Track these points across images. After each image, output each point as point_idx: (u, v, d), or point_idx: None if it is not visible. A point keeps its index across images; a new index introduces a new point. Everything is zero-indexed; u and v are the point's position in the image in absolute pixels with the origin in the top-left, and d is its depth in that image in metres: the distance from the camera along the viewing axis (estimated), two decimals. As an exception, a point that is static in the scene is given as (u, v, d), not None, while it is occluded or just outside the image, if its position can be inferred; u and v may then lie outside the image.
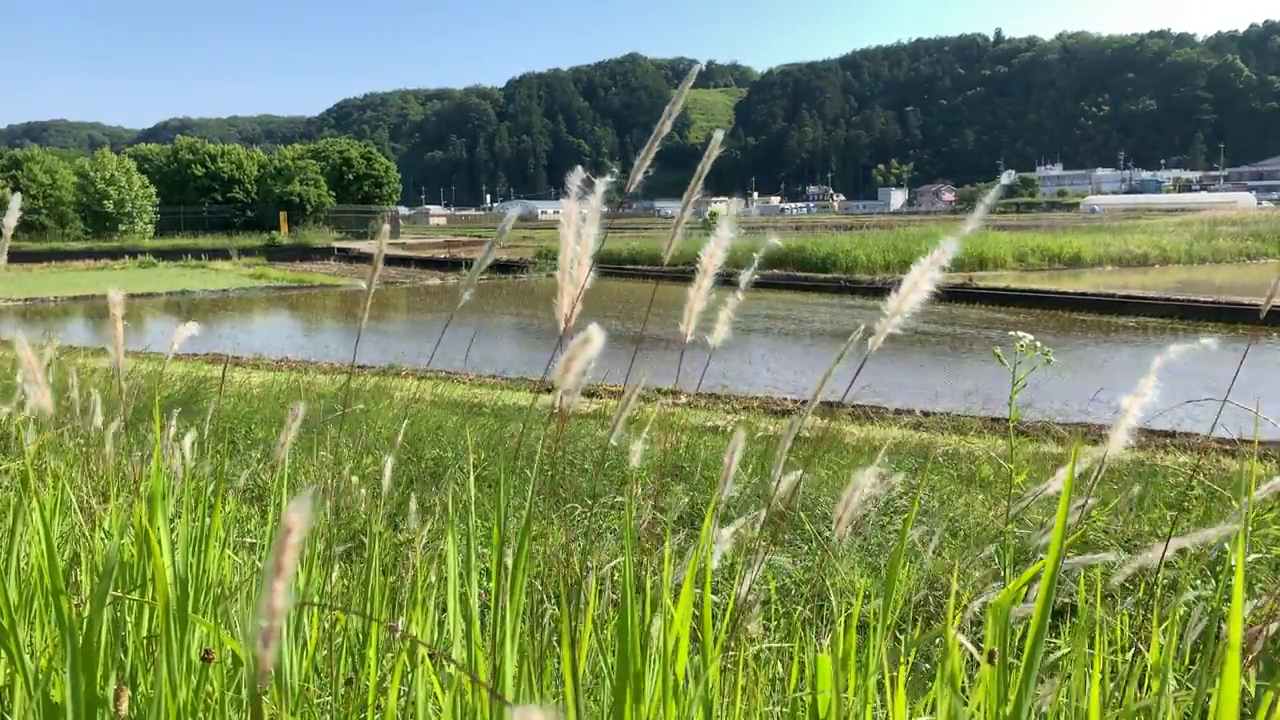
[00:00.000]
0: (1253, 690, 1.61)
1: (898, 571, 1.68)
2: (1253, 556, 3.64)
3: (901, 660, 1.78)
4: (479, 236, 68.44)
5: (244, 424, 7.87)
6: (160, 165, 69.42)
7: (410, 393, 11.68)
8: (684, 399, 14.15)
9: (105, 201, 61.11)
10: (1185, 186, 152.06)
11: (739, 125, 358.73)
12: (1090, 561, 1.92)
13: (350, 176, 70.97)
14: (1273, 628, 1.90)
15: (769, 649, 2.70)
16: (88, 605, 1.93)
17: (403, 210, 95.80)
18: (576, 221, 1.57)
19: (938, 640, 2.78)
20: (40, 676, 1.60)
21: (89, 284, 37.29)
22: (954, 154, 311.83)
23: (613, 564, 3.20)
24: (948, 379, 16.96)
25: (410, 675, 1.85)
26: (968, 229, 1.35)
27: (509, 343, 22.78)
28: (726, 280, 1.71)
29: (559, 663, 1.83)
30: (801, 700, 1.77)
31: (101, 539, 2.52)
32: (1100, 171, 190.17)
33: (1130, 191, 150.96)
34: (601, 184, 1.57)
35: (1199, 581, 3.62)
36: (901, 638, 2.52)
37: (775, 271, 37.12)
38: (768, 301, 31.20)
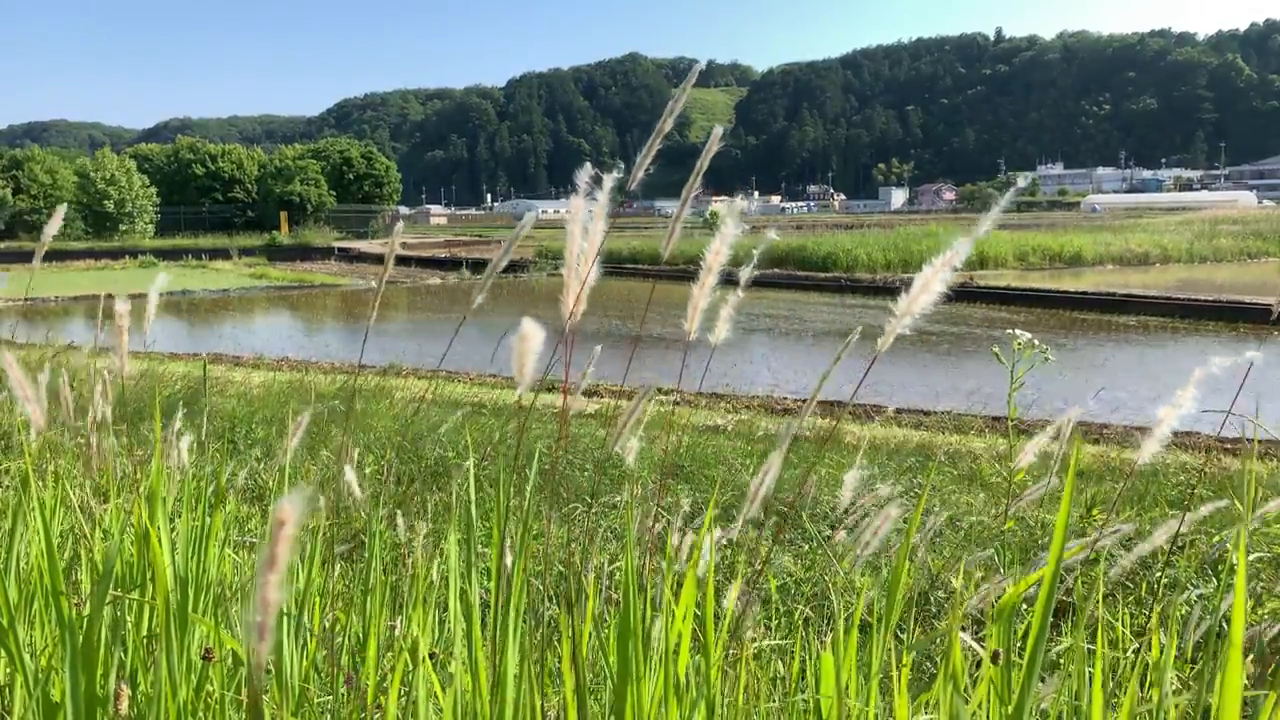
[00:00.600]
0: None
1: (902, 574, 1.68)
2: (1254, 556, 3.64)
3: (905, 660, 1.78)
4: (479, 236, 68.45)
5: (244, 424, 7.86)
6: (161, 165, 69.45)
7: (411, 392, 11.68)
8: (682, 397, 14.15)
9: (106, 201, 61.13)
10: (1186, 185, 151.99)
11: (739, 124, 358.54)
12: (1092, 544, 1.92)
13: (351, 176, 70.99)
14: (1275, 629, 1.90)
15: (770, 647, 2.70)
16: (87, 604, 1.92)
17: (403, 210, 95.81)
18: (584, 218, 1.56)
19: (938, 640, 2.78)
20: (40, 675, 1.60)
21: (89, 284, 37.31)
22: (955, 153, 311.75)
23: (613, 566, 3.21)
24: (949, 378, 16.96)
25: (411, 675, 1.84)
26: (980, 231, 1.35)
27: (509, 342, 22.62)
28: (727, 279, 1.70)
29: (559, 661, 1.82)
30: (804, 700, 1.77)
31: (101, 538, 2.52)
32: (1101, 170, 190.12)
33: (1131, 190, 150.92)
34: (610, 180, 1.57)
35: (1199, 580, 3.61)
36: (903, 637, 2.52)
37: (776, 271, 37.12)
38: (768, 301, 31.19)
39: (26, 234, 58.50)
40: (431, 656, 1.86)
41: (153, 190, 65.00)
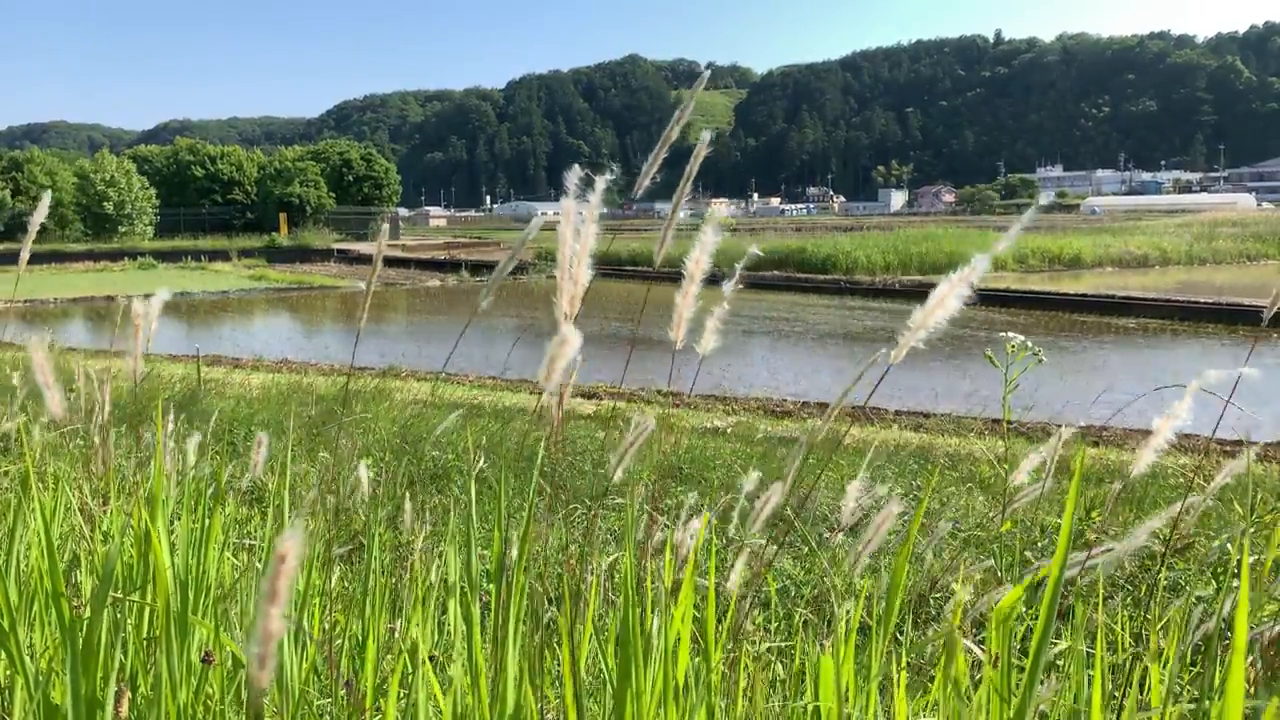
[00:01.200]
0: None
1: (902, 576, 1.68)
2: (1253, 558, 3.64)
3: (904, 662, 1.78)
4: (479, 238, 68.48)
5: (244, 425, 7.86)
6: (160, 167, 69.45)
7: (410, 394, 11.68)
8: (681, 399, 14.16)
9: (105, 203, 61.12)
10: (1185, 188, 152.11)
11: (739, 126, 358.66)
12: (1093, 559, 1.92)
13: (350, 178, 71.00)
14: (1275, 630, 1.90)
15: (770, 649, 2.70)
16: (88, 607, 1.92)
17: (403, 211, 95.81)
18: (575, 220, 1.56)
19: (938, 642, 2.78)
20: (40, 678, 1.60)
21: (89, 286, 37.32)
22: (954, 155, 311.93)
23: (611, 559, 3.20)
24: (949, 380, 16.96)
25: (410, 677, 1.84)
26: (1000, 247, 1.34)
27: (508, 343, 22.79)
28: (716, 279, 1.70)
29: (558, 664, 1.82)
30: (804, 702, 1.77)
31: (101, 541, 2.52)
32: (1100, 173, 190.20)
33: (1130, 193, 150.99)
34: (601, 182, 1.57)
35: (1199, 582, 3.61)
36: (902, 639, 2.52)
37: (775, 273, 37.14)
38: (768, 303, 31.19)
39: (25, 235, 58.43)
40: (431, 659, 1.86)
41: (152, 192, 65.00)
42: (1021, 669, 1.37)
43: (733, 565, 1.97)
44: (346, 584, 2.79)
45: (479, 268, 43.66)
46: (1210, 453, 9.56)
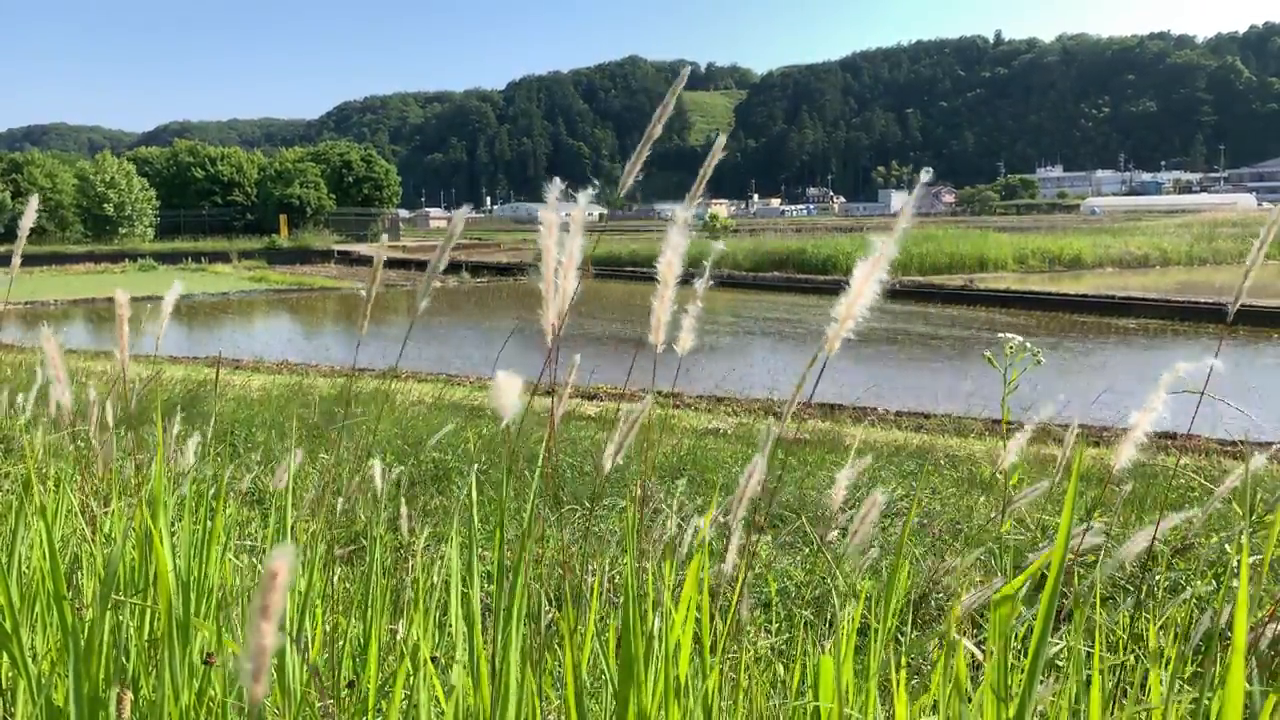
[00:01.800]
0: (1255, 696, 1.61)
1: (899, 575, 1.68)
2: (1253, 558, 3.64)
3: (903, 662, 1.78)
4: (479, 239, 68.48)
5: (244, 427, 7.87)
6: (160, 168, 69.47)
7: (411, 396, 11.68)
8: (681, 400, 14.16)
9: (105, 205, 61.16)
10: (1185, 188, 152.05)
11: (739, 127, 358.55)
12: (1087, 546, 1.92)
13: (350, 179, 71.01)
14: (1274, 630, 1.90)
15: (770, 650, 2.70)
16: (89, 609, 1.93)
17: (403, 213, 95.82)
18: (559, 231, 1.55)
19: (937, 642, 2.78)
20: (43, 680, 1.60)
21: (89, 287, 37.31)
22: (954, 156, 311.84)
23: (613, 569, 3.21)
24: (949, 381, 16.96)
25: (412, 678, 1.85)
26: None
27: (509, 345, 22.68)
28: (720, 281, 1.70)
29: (560, 665, 1.83)
30: (803, 702, 1.77)
31: (103, 543, 2.52)
32: (1100, 173, 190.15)
33: (1130, 193, 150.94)
34: (584, 196, 1.56)
35: (1198, 582, 3.62)
36: (902, 640, 2.52)
37: (775, 274, 37.14)
38: (768, 304, 31.20)
39: (25, 237, 58.47)
40: (433, 660, 1.86)
41: (152, 193, 65.03)
42: (1020, 670, 1.37)
43: (726, 548, 1.97)
44: (348, 585, 2.79)
45: (480, 269, 43.68)
46: (1210, 453, 9.56)
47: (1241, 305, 1.73)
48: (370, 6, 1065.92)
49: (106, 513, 2.76)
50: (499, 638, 1.52)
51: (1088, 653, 1.96)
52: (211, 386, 10.67)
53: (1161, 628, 2.04)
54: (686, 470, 7.02)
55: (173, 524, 1.98)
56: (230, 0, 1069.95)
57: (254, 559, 2.96)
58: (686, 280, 1.63)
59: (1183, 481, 6.57)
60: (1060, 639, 2.14)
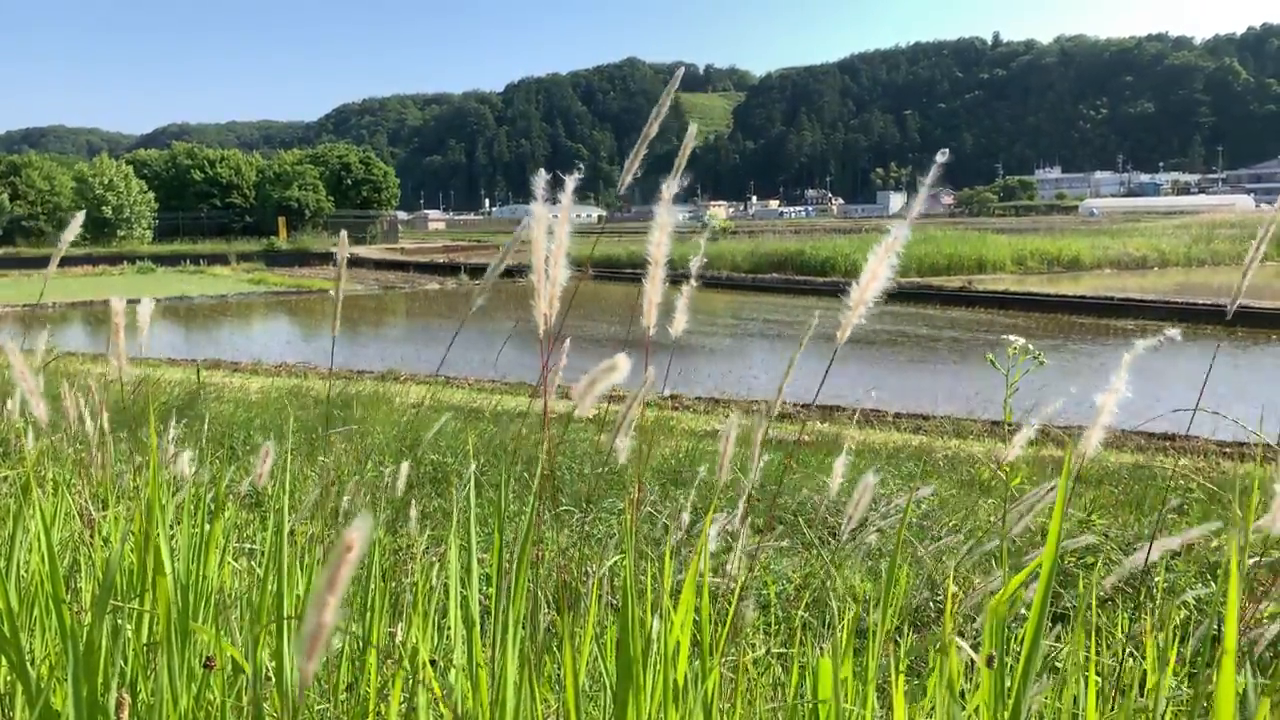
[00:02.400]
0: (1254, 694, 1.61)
1: (895, 575, 1.68)
2: (1253, 560, 3.64)
3: (901, 665, 1.78)
4: (478, 241, 68.49)
5: (243, 429, 7.87)
6: (159, 171, 69.47)
7: (410, 398, 11.68)
8: (679, 402, 14.16)
9: (104, 207, 61.16)
10: (1184, 189, 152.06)
11: (738, 129, 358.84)
12: (1073, 545, 1.93)
13: (349, 181, 71.03)
14: (1272, 631, 1.90)
15: (769, 652, 2.70)
16: (88, 613, 1.93)
17: (401, 215, 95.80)
18: (548, 222, 1.56)
19: (936, 644, 2.78)
20: (41, 684, 1.60)
21: (88, 290, 37.28)
22: (952, 157, 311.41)
23: (611, 563, 3.20)
24: (948, 382, 16.97)
25: (411, 681, 1.85)
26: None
27: (508, 347, 22.80)
28: (715, 282, 1.71)
29: (558, 668, 1.83)
30: (802, 703, 1.77)
31: (101, 546, 2.52)
32: (1099, 174, 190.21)
33: (1129, 194, 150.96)
34: (571, 181, 1.57)
35: (1198, 584, 3.62)
36: (901, 642, 2.52)
37: (774, 275, 37.14)
38: (767, 305, 31.21)
39: (24, 240, 58.53)
40: (432, 663, 1.86)
41: (151, 196, 65.03)
42: (1016, 669, 1.37)
43: (723, 547, 1.97)
44: (346, 589, 2.79)
45: (478, 271, 43.64)
46: (1209, 454, 9.56)
47: (1240, 306, 1.73)
48: (369, 9, 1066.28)
49: (104, 516, 2.76)
50: (497, 641, 1.52)
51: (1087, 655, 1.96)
52: (211, 389, 10.66)
53: (1159, 629, 2.04)
54: (685, 473, 7.02)
55: (171, 527, 1.98)
56: (229, 3, 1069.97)
57: (252, 562, 2.95)
58: (683, 279, 1.63)
59: (1180, 484, 6.57)
60: (1061, 641, 2.15)
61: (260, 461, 2.13)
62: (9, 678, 1.70)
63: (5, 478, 3.92)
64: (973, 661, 1.79)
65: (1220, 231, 47.59)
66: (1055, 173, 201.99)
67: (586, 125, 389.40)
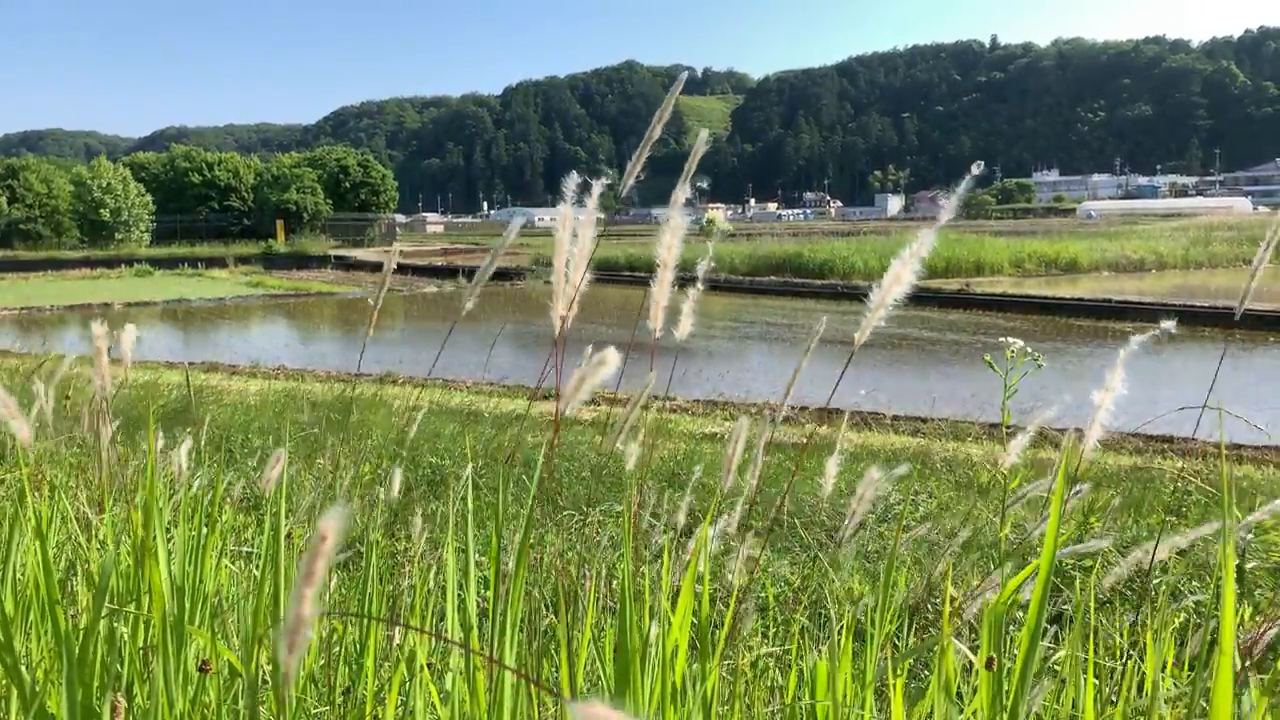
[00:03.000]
0: (1254, 696, 1.60)
1: (892, 578, 1.68)
2: (1252, 563, 3.64)
3: (901, 667, 1.78)
4: (477, 244, 68.48)
5: (241, 432, 7.86)
6: (157, 173, 69.46)
7: (408, 400, 11.66)
8: (677, 405, 14.15)
9: (102, 210, 61.13)
10: (1181, 191, 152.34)
11: (736, 132, 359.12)
12: (1080, 550, 1.92)
13: (347, 184, 71.03)
14: (1271, 633, 1.90)
15: (768, 655, 2.69)
16: (84, 616, 1.92)
17: (399, 218, 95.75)
18: (572, 225, 1.56)
19: (933, 647, 2.77)
20: (36, 688, 1.59)
21: (86, 292, 37.29)
22: (950, 160, 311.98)
23: (610, 560, 3.20)
24: (946, 385, 16.97)
25: (408, 684, 1.84)
26: None
27: (506, 350, 22.82)
28: (713, 284, 1.71)
29: (556, 670, 1.82)
30: (801, 706, 1.77)
31: (98, 549, 2.51)
32: (1096, 177, 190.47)
33: (1126, 197, 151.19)
34: (598, 186, 1.57)
35: (1197, 586, 3.61)
36: (899, 644, 2.52)
37: (773, 278, 37.16)
38: (766, 308, 31.22)
39: (22, 243, 58.49)
40: (429, 666, 1.85)
41: (149, 199, 65.01)
42: (1013, 671, 1.37)
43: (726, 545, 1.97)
44: (344, 591, 2.78)
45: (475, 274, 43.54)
46: (1208, 456, 9.56)
47: (1234, 308, 1.73)
48: (367, 12, 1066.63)
49: (101, 519, 2.75)
50: (495, 644, 1.52)
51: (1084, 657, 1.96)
52: (209, 392, 10.65)
53: (1157, 631, 2.04)
54: (682, 475, 7.02)
55: (168, 530, 1.97)
56: (227, 5, 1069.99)
57: (250, 565, 2.95)
58: (690, 281, 1.63)
59: (1178, 486, 6.57)
60: (1059, 643, 2.14)
61: (270, 468, 2.13)
62: (4, 681, 1.70)
63: (3, 480, 3.91)
64: (970, 663, 1.79)
65: (1218, 234, 47.67)
66: (1053, 175, 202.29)
67: (585, 128, 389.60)
